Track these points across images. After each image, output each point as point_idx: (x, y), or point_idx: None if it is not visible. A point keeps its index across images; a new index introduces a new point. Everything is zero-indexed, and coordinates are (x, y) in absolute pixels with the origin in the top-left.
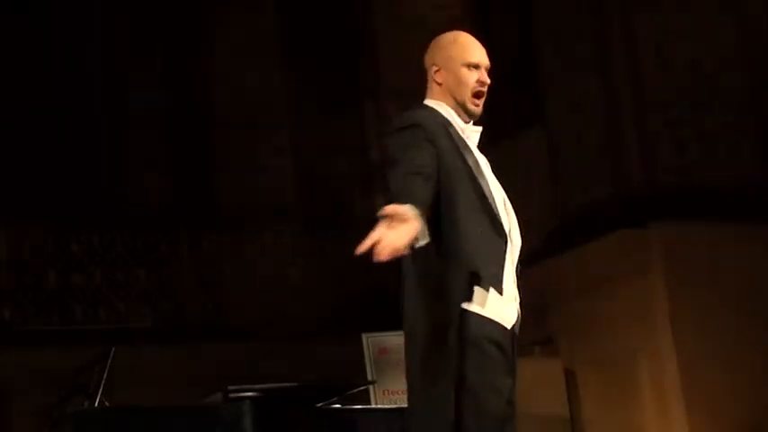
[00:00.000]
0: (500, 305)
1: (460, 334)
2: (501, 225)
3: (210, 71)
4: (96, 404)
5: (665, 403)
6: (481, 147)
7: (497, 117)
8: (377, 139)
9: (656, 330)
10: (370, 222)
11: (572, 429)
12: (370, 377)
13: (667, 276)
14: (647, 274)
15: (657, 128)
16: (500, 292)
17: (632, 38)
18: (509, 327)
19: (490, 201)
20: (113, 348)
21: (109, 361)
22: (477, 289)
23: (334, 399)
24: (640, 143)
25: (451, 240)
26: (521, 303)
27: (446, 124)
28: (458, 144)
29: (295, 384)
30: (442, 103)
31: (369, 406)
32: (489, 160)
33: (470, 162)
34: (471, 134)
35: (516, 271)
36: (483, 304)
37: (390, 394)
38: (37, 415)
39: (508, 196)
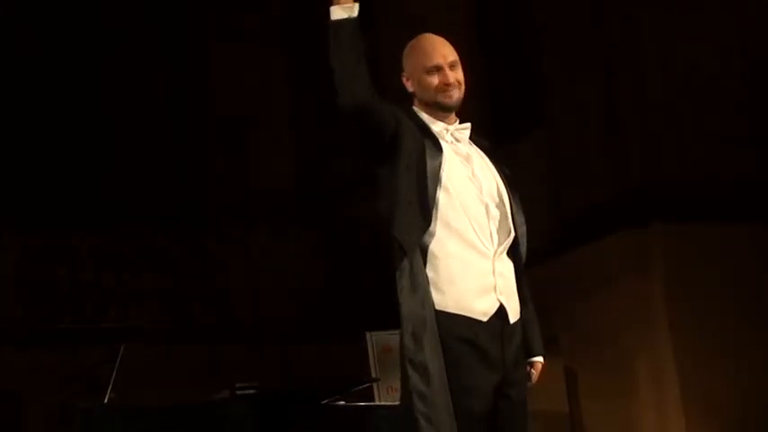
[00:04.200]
0: (467, 298)
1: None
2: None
3: (212, 72)
4: (106, 401)
5: (664, 401)
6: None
7: (499, 118)
8: None
9: (655, 330)
10: (372, 221)
11: (571, 426)
12: (374, 375)
13: (667, 276)
14: (647, 274)
15: (658, 129)
16: (471, 284)
17: (633, 39)
18: (485, 319)
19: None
20: (123, 347)
21: (118, 359)
22: (439, 285)
23: (339, 396)
24: (641, 144)
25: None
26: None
27: (423, 128)
28: (426, 146)
29: (301, 382)
30: (421, 112)
31: (373, 403)
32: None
33: (438, 163)
34: (458, 133)
35: (518, 266)
36: (445, 300)
37: (394, 391)
38: (48, 412)
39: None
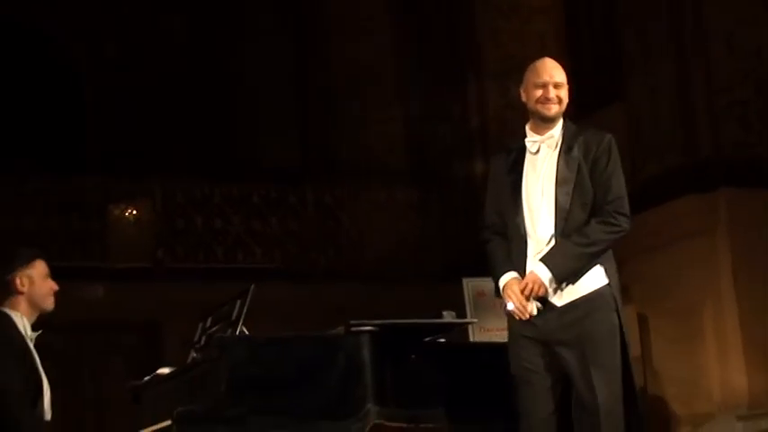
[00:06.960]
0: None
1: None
2: (520, 228)
3: (332, 45)
4: (237, 332)
5: (726, 346)
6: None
7: (582, 93)
8: (476, 110)
9: (719, 281)
10: (469, 181)
11: (643, 366)
12: (469, 317)
13: (730, 234)
14: (713, 231)
15: (724, 106)
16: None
17: (703, 25)
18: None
19: (515, 210)
20: (253, 285)
21: (249, 296)
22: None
23: (440, 334)
24: (709, 119)
25: None
26: None
27: (509, 156)
28: (507, 170)
29: (407, 321)
30: (527, 128)
31: (468, 341)
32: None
33: (510, 180)
34: (548, 142)
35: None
36: None
37: (486, 332)
38: (186, 340)
39: None
